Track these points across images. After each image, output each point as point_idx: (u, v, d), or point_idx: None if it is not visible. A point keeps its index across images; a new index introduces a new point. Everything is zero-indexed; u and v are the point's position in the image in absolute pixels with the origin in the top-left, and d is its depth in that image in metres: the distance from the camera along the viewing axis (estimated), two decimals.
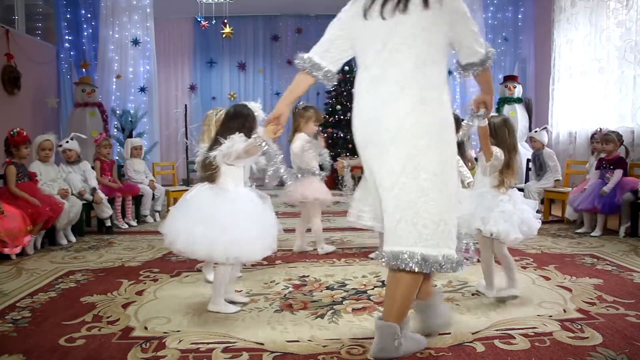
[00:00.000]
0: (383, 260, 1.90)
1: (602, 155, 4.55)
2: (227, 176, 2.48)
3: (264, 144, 2.23)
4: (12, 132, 4.01)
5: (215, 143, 2.49)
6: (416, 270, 1.84)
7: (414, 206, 1.85)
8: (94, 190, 4.65)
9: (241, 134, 2.43)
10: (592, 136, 4.99)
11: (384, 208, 1.92)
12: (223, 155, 2.41)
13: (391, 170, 1.88)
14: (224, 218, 2.35)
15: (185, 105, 8.87)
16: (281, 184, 2.51)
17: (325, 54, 2.06)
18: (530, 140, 5.42)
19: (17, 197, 3.88)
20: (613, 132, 4.57)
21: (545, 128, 5.65)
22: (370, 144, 1.95)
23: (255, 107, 2.58)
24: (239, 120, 2.51)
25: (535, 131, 5.40)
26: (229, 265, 2.51)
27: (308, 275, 3.20)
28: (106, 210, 4.69)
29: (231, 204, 2.41)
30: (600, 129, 4.91)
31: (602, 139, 4.49)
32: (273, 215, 2.52)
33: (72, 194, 4.45)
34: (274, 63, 9.56)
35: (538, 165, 5.31)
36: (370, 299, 2.72)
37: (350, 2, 2.07)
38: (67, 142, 4.73)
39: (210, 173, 2.48)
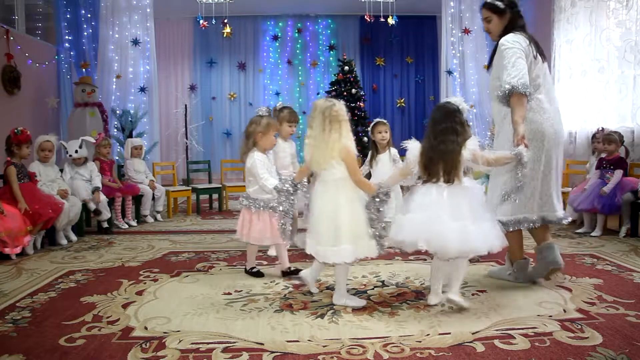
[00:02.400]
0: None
1: (603, 155, 4.55)
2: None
3: (524, 158, 2.56)
4: (16, 131, 4.03)
5: (451, 142, 2.48)
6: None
7: None
8: (97, 189, 4.66)
9: (473, 139, 2.53)
10: (594, 136, 4.97)
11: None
12: (471, 156, 2.47)
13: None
14: (483, 213, 2.48)
15: (185, 105, 8.87)
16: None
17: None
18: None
19: (13, 194, 3.88)
20: (615, 132, 4.56)
21: None
22: (559, 141, 2.89)
23: (459, 101, 2.60)
24: (451, 119, 2.52)
25: None
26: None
27: None
28: (105, 213, 4.70)
29: (477, 199, 2.52)
30: (602, 128, 4.89)
31: (605, 139, 4.49)
32: None
33: (73, 195, 4.46)
34: (274, 63, 9.55)
35: None
36: (370, 299, 2.72)
37: (525, 43, 2.81)
38: (76, 151, 4.70)
39: (459, 172, 2.48)
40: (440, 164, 2.48)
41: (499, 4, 2.88)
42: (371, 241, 2.52)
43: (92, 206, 4.59)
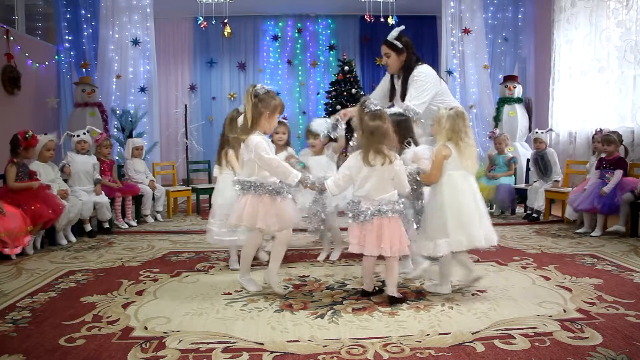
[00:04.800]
0: None
1: (602, 155, 4.55)
2: None
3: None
4: (27, 136, 4.07)
5: None
6: None
7: None
8: (98, 181, 4.74)
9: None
10: (594, 136, 4.96)
11: None
12: None
13: None
14: None
15: (185, 105, 8.87)
16: None
17: None
18: (536, 140, 5.37)
19: (17, 191, 3.89)
20: (613, 132, 4.55)
21: (551, 130, 5.63)
22: None
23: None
24: None
25: (542, 132, 5.37)
26: None
27: (308, 275, 3.20)
28: (107, 213, 4.70)
29: None
30: (601, 129, 4.88)
31: (604, 140, 4.48)
32: None
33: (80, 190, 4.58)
34: (274, 63, 9.56)
35: (543, 165, 5.28)
36: (370, 299, 2.72)
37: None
38: (85, 133, 4.83)
39: None
40: None
41: (398, 43, 3.29)
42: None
43: (100, 192, 4.73)
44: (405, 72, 3.39)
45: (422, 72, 3.30)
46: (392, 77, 3.60)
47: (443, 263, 2.78)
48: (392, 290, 2.65)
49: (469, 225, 2.65)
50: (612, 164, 4.40)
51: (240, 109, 2.89)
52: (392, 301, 2.63)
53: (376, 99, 3.63)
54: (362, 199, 2.60)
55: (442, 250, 2.66)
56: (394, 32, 3.38)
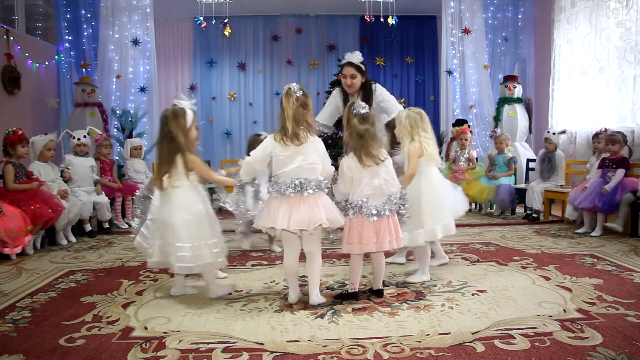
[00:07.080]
0: None
1: (605, 155, 4.54)
2: None
3: None
4: (7, 131, 4.03)
5: None
6: None
7: None
8: (98, 181, 4.77)
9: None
10: (595, 136, 4.91)
11: None
12: None
13: None
14: None
15: None
16: None
17: None
18: (545, 140, 5.34)
19: (16, 191, 3.88)
20: (618, 132, 4.54)
21: (563, 132, 5.56)
22: None
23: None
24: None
25: (554, 133, 5.32)
26: None
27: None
28: (107, 213, 4.70)
29: None
30: (605, 129, 4.83)
31: (609, 140, 4.46)
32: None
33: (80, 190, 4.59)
34: (274, 63, 9.54)
35: (548, 166, 5.26)
36: (370, 299, 2.72)
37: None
38: (85, 136, 4.84)
39: None
40: None
41: (362, 66, 3.63)
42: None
43: (100, 191, 4.76)
44: (365, 91, 3.64)
45: (382, 88, 3.72)
46: (344, 96, 3.75)
47: (420, 253, 3.07)
48: (380, 284, 2.80)
49: (444, 215, 3.01)
50: (615, 163, 4.39)
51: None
52: (381, 294, 2.77)
53: (325, 117, 3.98)
54: (370, 197, 2.61)
55: (419, 240, 2.94)
56: (358, 56, 3.62)
